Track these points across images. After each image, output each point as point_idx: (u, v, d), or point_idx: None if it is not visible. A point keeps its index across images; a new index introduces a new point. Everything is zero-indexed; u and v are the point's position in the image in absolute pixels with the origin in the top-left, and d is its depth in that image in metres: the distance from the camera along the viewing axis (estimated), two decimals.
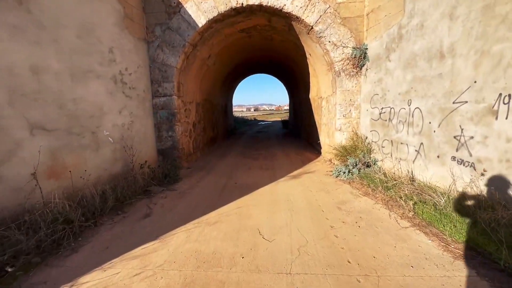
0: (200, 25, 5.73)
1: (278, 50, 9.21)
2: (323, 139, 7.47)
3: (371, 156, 5.39)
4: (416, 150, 4.12)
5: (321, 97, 7.71)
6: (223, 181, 4.95)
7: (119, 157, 4.78)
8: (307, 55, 7.59)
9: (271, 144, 10.17)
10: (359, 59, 5.52)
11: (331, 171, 5.50)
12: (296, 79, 11.58)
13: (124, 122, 4.96)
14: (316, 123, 8.46)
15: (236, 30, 7.01)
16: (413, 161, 4.16)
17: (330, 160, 6.48)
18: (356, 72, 5.75)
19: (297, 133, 12.08)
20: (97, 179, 4.20)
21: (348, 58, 5.71)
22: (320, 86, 7.68)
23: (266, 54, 10.28)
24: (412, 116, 4.20)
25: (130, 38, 5.21)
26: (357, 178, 4.69)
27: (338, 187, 4.37)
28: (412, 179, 3.98)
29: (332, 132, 6.46)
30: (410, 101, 4.24)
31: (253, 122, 26.49)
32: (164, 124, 6.14)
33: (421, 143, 4.00)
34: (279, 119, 32.59)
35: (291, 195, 3.94)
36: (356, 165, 4.98)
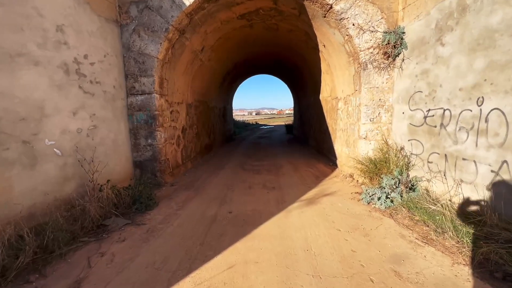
0: (187, 4, 4.48)
1: (284, 44, 7.96)
2: (340, 148, 6.15)
3: (410, 173, 4.07)
4: (493, 171, 2.79)
5: (336, 97, 6.42)
6: (213, 209, 3.63)
7: (72, 175, 3.48)
8: (320, 48, 6.33)
9: (275, 152, 8.86)
10: (393, 46, 4.23)
11: (358, 193, 4.17)
12: (303, 79, 10.31)
13: (81, 127, 3.67)
14: (329, 128, 7.15)
15: (234, 15, 5.77)
16: (489, 187, 2.83)
17: (351, 176, 5.15)
18: (388, 64, 4.46)
19: (304, 140, 10.78)
20: (31, 209, 2.90)
21: (377, 45, 4.42)
22: (335, 85, 6.39)
23: (269, 50, 9.04)
24: (486, 121, 2.88)
25: (93, 17, 3.96)
26: (400, 207, 3.36)
27: (377, 222, 3.03)
28: (496, 216, 2.64)
29: (353, 140, 5.15)
30: (481, 99, 2.93)
31: (255, 126, 25.22)
32: (142, 130, 4.85)
33: (504, 161, 2.68)
34: (282, 123, 31.32)
35: (312, 240, 2.62)
36: (395, 187, 3.65)
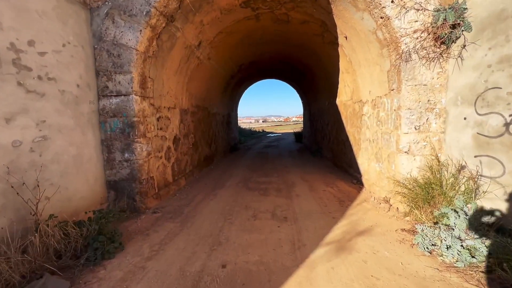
0: None
1: (295, 41, 6.91)
2: (366, 163, 4.97)
3: (480, 204, 2.87)
4: None
5: (360, 101, 5.27)
6: (200, 259, 2.49)
7: (3, 207, 2.44)
8: (340, 41, 5.24)
9: (284, 165, 7.70)
10: (451, 27, 3.10)
11: (406, 230, 2.97)
12: (315, 82, 9.21)
13: (20, 139, 2.65)
14: (350, 138, 5.98)
15: (237, 2, 4.76)
16: None
17: (386, 201, 3.95)
18: (441, 53, 3.32)
19: (316, 150, 9.61)
20: None
21: (426, 28, 3.30)
22: (358, 86, 5.26)
23: (278, 49, 8.01)
24: None
25: None
26: (489, 263, 2.15)
27: None
28: None
29: (388, 154, 3.97)
30: None
31: (261, 134, 24.15)
32: (117, 141, 3.81)
33: None
34: (289, 131, 30.16)
35: None
36: (478, 229, 2.44)
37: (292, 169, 6.98)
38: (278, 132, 29.27)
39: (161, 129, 4.65)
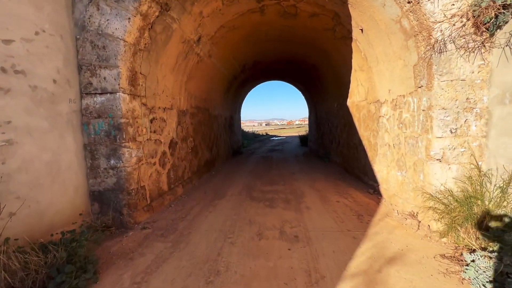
0: None
1: (302, 37, 6.42)
2: (385, 171, 4.41)
3: None
4: None
5: (377, 101, 4.74)
6: None
7: None
8: (354, 35, 4.73)
9: (290, 171, 7.16)
10: (498, 10, 2.56)
11: (448, 257, 2.42)
12: (323, 82, 8.70)
13: None
14: (364, 142, 5.43)
15: None
16: None
17: (413, 216, 3.39)
18: (482, 42, 2.78)
19: (324, 154, 9.06)
20: None
21: (465, 12, 2.77)
22: (375, 84, 4.73)
23: (283, 48, 7.53)
24: None
25: None
26: None
27: None
28: None
29: (414, 162, 3.42)
30: None
31: (265, 138, 23.64)
32: (102, 146, 3.32)
33: None
34: (293, 134, 29.60)
35: None
36: None
37: (299, 176, 6.44)
38: (282, 135, 28.74)
39: (155, 132, 4.16)
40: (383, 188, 4.51)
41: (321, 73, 8.28)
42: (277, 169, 7.51)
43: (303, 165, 8.13)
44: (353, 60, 5.47)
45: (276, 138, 23.25)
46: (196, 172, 6.18)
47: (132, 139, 3.47)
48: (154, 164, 4.14)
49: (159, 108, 4.34)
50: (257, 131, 34.42)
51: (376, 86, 4.72)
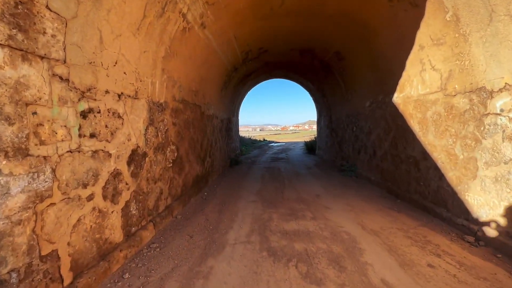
0: None
1: (334, 5, 4.57)
2: (500, 206, 2.52)
3: None
4: None
5: (480, 89, 2.88)
6: None
7: None
8: None
9: (312, 191, 5.24)
10: None
11: None
12: (347, 74, 6.87)
13: None
14: (438, 156, 3.54)
15: None
16: None
17: None
18: None
19: (348, 167, 7.17)
20: None
21: None
22: (477, 60, 2.88)
23: (302, 27, 5.68)
24: None
25: None
26: None
27: None
28: None
29: None
30: None
31: (263, 143, 21.69)
32: None
33: None
34: (292, 140, 27.79)
35: None
36: None
37: (329, 201, 4.51)
38: (280, 141, 26.90)
39: (94, 136, 2.18)
40: (496, 235, 2.61)
41: (347, 63, 6.45)
42: (293, 188, 5.56)
43: (323, 181, 6.20)
44: (419, 32, 3.63)
45: (276, 144, 21.36)
46: (180, 196, 4.17)
47: (13, 151, 1.48)
48: (91, 198, 2.14)
49: (106, 92, 2.36)
50: (253, 136, 32.52)
51: (477, 65, 2.87)
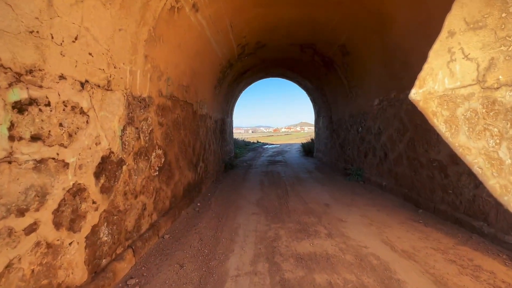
0: None
1: None
2: None
3: None
4: None
5: None
6: None
7: None
8: None
9: (320, 199, 4.67)
10: None
11: None
12: (353, 70, 6.36)
13: None
14: (471, 160, 3.02)
15: None
16: None
17: None
18: None
19: (353, 170, 6.65)
20: None
21: None
22: None
23: (305, 17, 5.13)
24: None
25: None
26: None
27: None
28: None
29: None
30: None
31: (257, 146, 21.08)
32: None
33: None
34: (287, 142, 27.30)
35: None
36: None
37: (341, 211, 3.93)
38: (274, 143, 26.37)
39: (37, 138, 1.51)
40: None
41: (353, 58, 5.94)
42: (297, 195, 4.96)
43: (329, 187, 5.64)
44: (450, 16, 3.12)
45: (270, 146, 20.81)
46: (168, 210, 3.50)
47: None
48: (32, 229, 1.46)
49: (61, 78, 1.70)
50: (246, 138, 31.88)
51: None
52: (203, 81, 5.41)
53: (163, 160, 3.39)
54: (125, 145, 2.47)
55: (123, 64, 2.42)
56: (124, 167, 2.44)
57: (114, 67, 2.30)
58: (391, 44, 4.44)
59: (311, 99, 11.42)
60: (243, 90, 11.32)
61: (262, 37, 6.16)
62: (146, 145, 2.93)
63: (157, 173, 3.19)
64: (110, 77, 2.24)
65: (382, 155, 5.32)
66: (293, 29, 5.77)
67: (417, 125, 4.10)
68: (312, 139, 14.22)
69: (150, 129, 3.04)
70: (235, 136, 31.99)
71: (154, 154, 3.12)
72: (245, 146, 19.19)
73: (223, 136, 8.46)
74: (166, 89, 3.52)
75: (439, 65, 3.52)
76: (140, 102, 2.80)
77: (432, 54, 3.61)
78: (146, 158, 2.92)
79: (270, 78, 11.59)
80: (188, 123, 4.54)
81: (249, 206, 4.37)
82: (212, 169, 6.50)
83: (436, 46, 3.48)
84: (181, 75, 4.07)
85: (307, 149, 12.75)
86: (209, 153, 6.15)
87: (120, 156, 2.36)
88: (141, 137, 2.81)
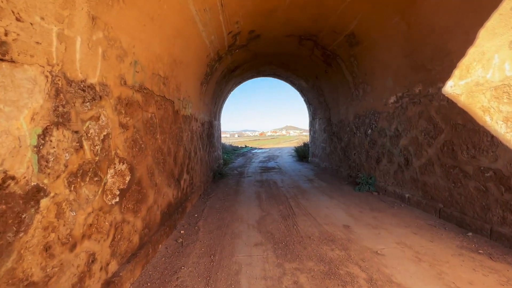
0: None
1: None
2: None
3: None
4: None
5: None
6: None
7: None
8: None
9: (332, 214, 3.79)
10: None
11: None
12: (363, 61, 5.57)
13: None
14: None
15: None
16: None
17: None
18: None
19: (362, 178, 5.83)
20: None
21: None
22: None
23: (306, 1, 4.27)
24: None
25: None
26: None
27: None
28: None
29: None
30: None
31: (246, 150, 20.04)
32: None
33: None
34: (276, 146, 26.53)
35: None
36: None
37: (369, 237, 3.03)
38: (263, 147, 25.49)
39: None
40: None
41: (362, 48, 5.15)
42: (306, 214, 4.01)
43: (339, 200, 4.74)
44: None
45: (259, 151, 19.86)
46: (136, 251, 2.42)
47: None
48: None
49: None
50: (233, 143, 30.76)
51: None
52: (186, 73, 4.38)
53: (128, 178, 2.33)
54: (46, 161, 1.41)
55: (41, 19, 1.38)
56: (44, 201, 1.38)
57: (21, 21, 1.26)
58: (418, 25, 3.65)
59: (305, 100, 10.62)
60: (232, 90, 10.34)
61: (257, 24, 5.23)
62: (96, 158, 1.87)
63: (117, 199, 2.12)
64: (7, 35, 1.19)
65: (401, 161, 4.51)
66: (293, 14, 4.89)
67: (457, 125, 3.31)
68: (304, 143, 13.45)
69: (104, 133, 1.98)
70: (222, 141, 30.87)
71: (111, 171, 2.06)
72: (234, 151, 18.13)
73: (210, 141, 7.41)
74: (133, 76, 2.47)
75: (496, 46, 2.73)
76: (84, 91, 1.75)
77: (483, 33, 2.82)
78: (96, 179, 1.86)
79: (261, 78, 10.70)
80: (167, 126, 3.49)
81: (249, 232, 3.37)
82: (199, 181, 5.43)
83: (493, 21, 2.70)
84: (156, 61, 3.03)
85: (301, 154, 11.91)
86: (194, 162, 5.09)
87: (31, 184, 1.30)
88: (86, 147, 1.75)
